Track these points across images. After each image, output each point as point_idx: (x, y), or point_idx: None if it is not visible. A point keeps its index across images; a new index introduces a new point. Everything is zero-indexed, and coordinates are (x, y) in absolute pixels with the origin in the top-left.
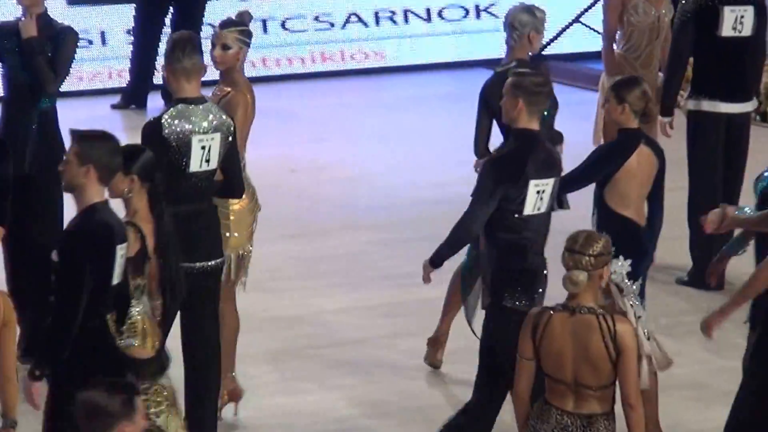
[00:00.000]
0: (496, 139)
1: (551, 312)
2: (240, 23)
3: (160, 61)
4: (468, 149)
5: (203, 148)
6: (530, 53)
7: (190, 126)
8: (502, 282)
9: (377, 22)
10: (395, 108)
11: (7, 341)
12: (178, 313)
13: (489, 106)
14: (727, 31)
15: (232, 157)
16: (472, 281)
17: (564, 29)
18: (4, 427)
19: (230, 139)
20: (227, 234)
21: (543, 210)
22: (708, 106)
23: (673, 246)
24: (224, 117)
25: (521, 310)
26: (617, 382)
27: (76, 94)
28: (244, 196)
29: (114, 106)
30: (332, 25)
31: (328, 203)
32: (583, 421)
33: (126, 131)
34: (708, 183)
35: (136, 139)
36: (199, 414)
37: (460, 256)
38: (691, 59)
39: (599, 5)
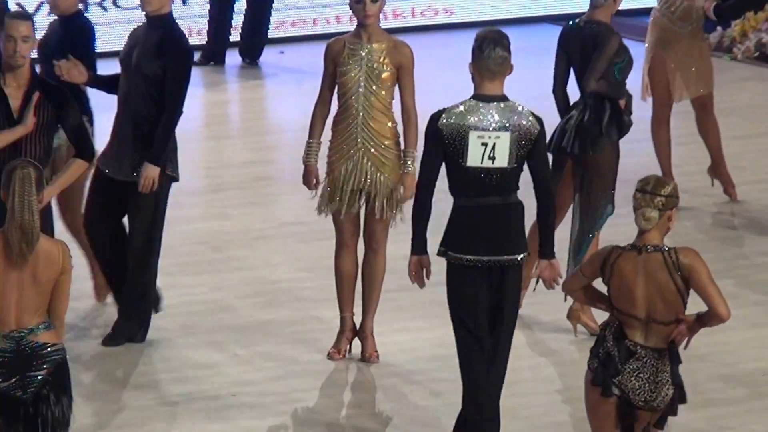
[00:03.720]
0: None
1: (621, 251)
2: None
3: (236, 19)
4: (538, 100)
5: (484, 144)
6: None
7: (468, 122)
8: None
9: None
10: (465, 63)
11: (63, 288)
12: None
13: (566, 54)
14: None
15: (538, 157)
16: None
17: None
18: None
19: (529, 141)
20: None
21: None
22: None
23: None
24: (524, 120)
25: None
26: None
27: None
28: None
29: (194, 63)
30: None
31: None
32: (654, 353)
33: (206, 87)
34: None
35: (216, 94)
36: None
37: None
38: None
39: None
